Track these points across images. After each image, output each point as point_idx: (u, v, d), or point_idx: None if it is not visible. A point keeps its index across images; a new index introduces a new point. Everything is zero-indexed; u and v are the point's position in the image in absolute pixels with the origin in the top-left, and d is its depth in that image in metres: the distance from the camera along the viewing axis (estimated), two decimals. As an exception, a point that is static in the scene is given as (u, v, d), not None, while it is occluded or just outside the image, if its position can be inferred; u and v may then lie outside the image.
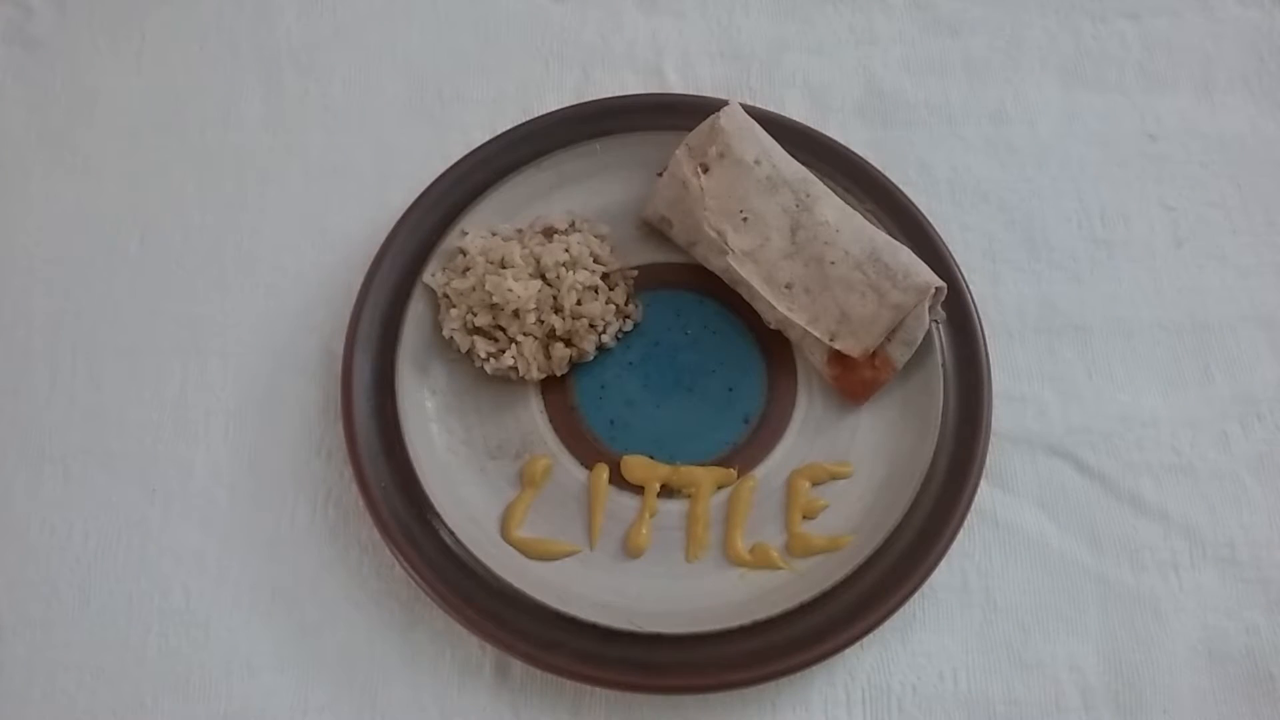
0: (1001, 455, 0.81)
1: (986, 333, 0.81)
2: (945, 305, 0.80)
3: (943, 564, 0.74)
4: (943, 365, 0.80)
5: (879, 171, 0.86)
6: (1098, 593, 0.77)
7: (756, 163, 0.80)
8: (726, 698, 0.72)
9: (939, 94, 0.96)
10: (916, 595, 0.73)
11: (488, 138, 0.86)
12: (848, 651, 0.72)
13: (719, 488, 0.78)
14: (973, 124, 0.95)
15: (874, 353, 0.78)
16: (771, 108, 0.89)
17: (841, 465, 0.79)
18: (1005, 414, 0.81)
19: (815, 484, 0.79)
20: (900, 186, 0.86)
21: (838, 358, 0.79)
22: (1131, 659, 0.75)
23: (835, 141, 0.87)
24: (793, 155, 0.82)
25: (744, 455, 0.80)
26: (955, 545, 0.74)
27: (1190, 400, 0.84)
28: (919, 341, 0.78)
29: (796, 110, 0.92)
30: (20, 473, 0.78)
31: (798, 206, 0.79)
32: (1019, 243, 0.90)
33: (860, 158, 0.87)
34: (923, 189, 0.89)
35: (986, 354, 0.80)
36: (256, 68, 0.94)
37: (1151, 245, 0.90)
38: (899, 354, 0.78)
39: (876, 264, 0.77)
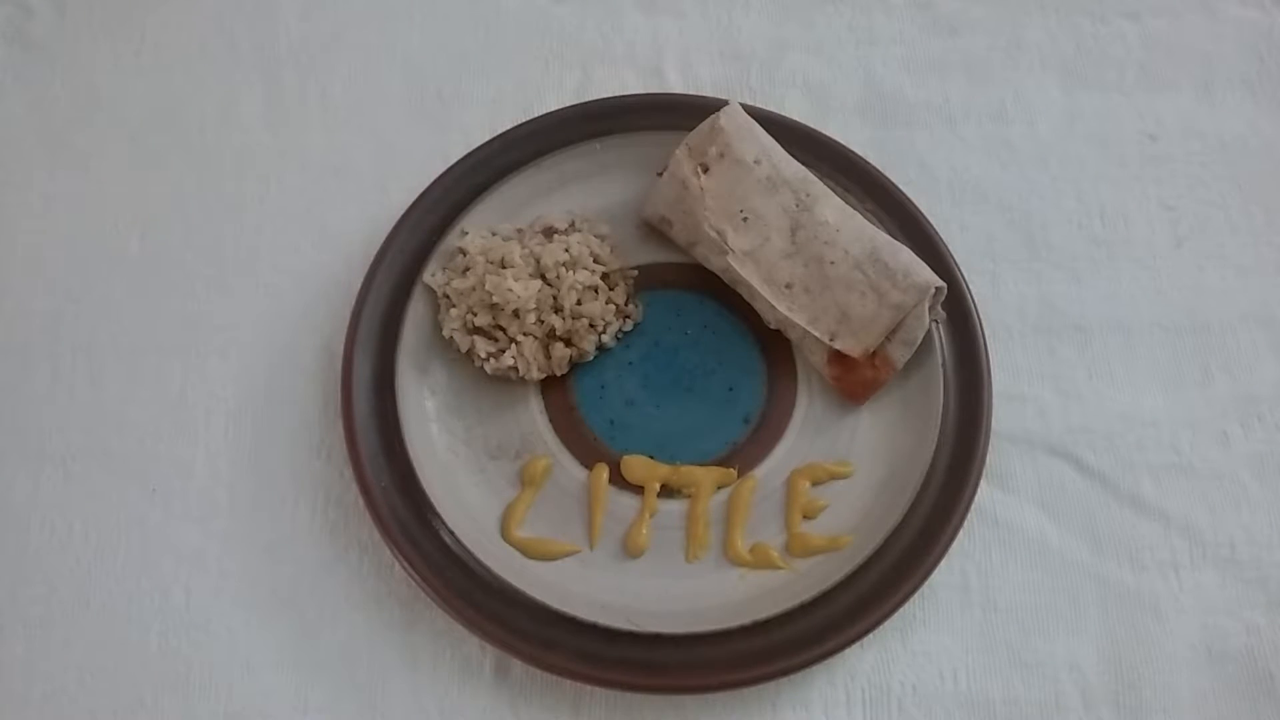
0: (1001, 455, 0.80)
1: (986, 333, 0.81)
2: (945, 305, 0.80)
3: (943, 564, 0.74)
4: (943, 365, 0.80)
5: (879, 171, 0.86)
6: (1098, 593, 0.77)
7: (756, 162, 0.80)
8: (726, 698, 0.72)
9: (939, 94, 0.96)
10: (916, 595, 0.73)
11: (488, 138, 0.86)
12: (848, 651, 0.72)
13: (719, 487, 0.78)
14: (973, 124, 0.94)
15: (874, 353, 0.78)
16: (771, 108, 0.89)
17: (842, 465, 0.79)
18: (1005, 414, 0.81)
19: (815, 484, 0.79)
20: (900, 186, 0.86)
21: (838, 358, 0.79)
22: (1131, 659, 0.75)
23: (835, 141, 0.87)
24: (793, 155, 0.82)
25: (744, 455, 0.80)
26: (955, 545, 0.74)
27: (1190, 400, 0.84)
28: (919, 341, 0.78)
29: (796, 110, 0.91)
30: (20, 473, 0.78)
31: (798, 206, 0.79)
32: (1019, 243, 0.90)
33: (860, 158, 0.87)
34: (923, 189, 0.88)
35: (986, 354, 0.80)
36: (256, 68, 0.94)
37: (1151, 245, 0.90)
38: (899, 354, 0.78)
39: (876, 264, 0.77)
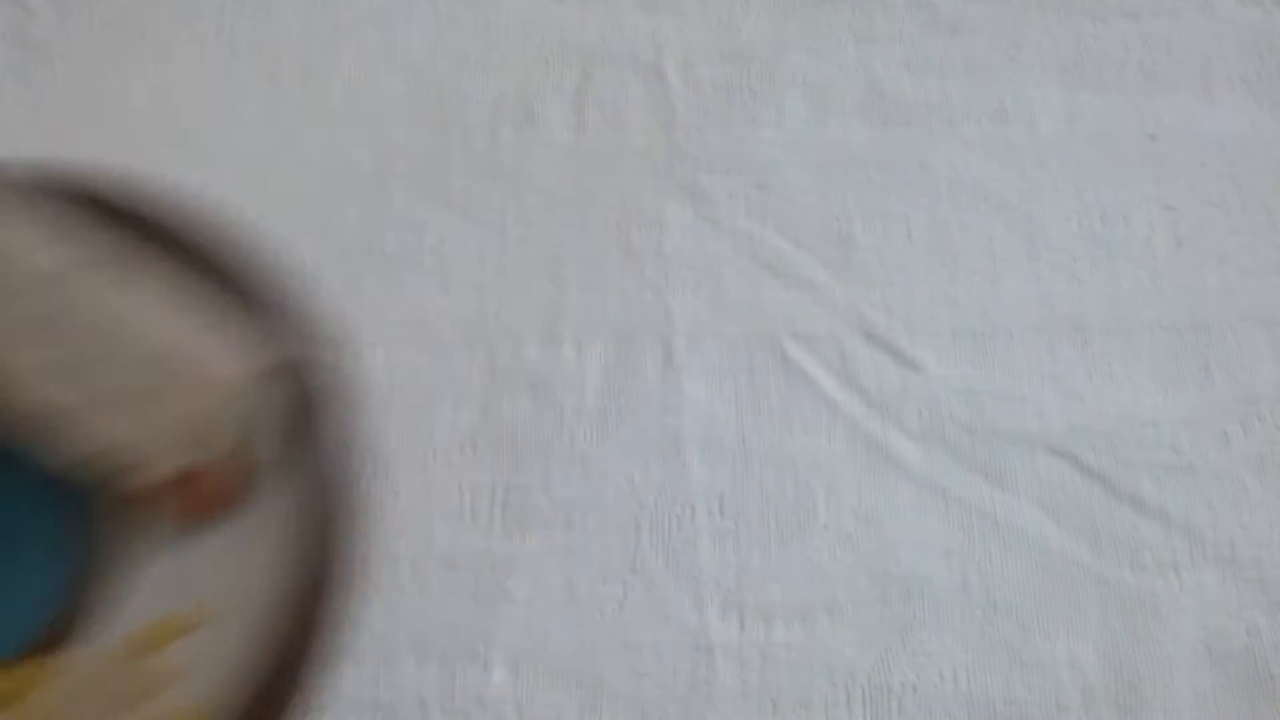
0: (1002, 455, 0.80)
1: (978, 336, 0.81)
2: (292, 386, 0.62)
3: (943, 564, 0.74)
4: (295, 470, 0.60)
5: (211, 234, 0.72)
6: (1098, 593, 0.77)
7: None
8: (716, 695, 0.72)
9: (939, 94, 0.96)
10: (917, 595, 0.73)
11: (488, 137, 0.86)
12: (848, 651, 0.72)
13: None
14: (973, 124, 0.94)
15: (211, 465, 0.59)
16: (771, 108, 0.89)
17: (192, 614, 0.55)
18: (1005, 414, 0.81)
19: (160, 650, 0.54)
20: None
21: (178, 481, 0.59)
22: (1131, 659, 0.75)
23: (153, 214, 0.72)
24: (99, 238, 0.66)
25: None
26: (956, 545, 0.75)
27: (1190, 400, 0.84)
28: (261, 439, 0.60)
29: (797, 110, 0.92)
30: (20, 473, 0.78)
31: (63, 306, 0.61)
32: (1019, 243, 0.90)
33: (186, 225, 0.72)
34: (923, 189, 0.89)
35: (348, 443, 0.62)
36: (256, 68, 0.94)
37: (1151, 245, 0.90)
38: (240, 457, 0.60)
39: (167, 364, 0.60)
